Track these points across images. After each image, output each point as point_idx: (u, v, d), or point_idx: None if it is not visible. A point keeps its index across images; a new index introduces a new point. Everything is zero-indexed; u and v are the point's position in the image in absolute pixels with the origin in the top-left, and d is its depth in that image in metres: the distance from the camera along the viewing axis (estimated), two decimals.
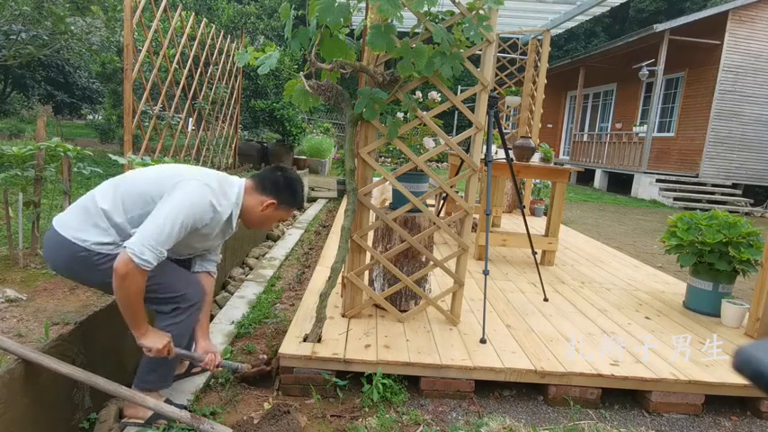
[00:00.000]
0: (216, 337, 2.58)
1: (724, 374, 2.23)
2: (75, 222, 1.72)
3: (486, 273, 2.63)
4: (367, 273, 2.80)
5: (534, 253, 3.51)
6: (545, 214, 6.36)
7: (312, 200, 8.14)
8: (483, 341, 2.40)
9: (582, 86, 15.48)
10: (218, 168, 5.49)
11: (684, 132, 12.69)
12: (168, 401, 1.83)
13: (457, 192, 2.57)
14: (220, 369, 2.11)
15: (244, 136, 10.14)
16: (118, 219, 1.71)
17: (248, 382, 2.22)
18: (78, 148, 2.69)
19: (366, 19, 2.59)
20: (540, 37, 5.82)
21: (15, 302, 2.04)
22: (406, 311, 2.64)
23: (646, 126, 12.16)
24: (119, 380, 1.77)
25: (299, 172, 7.82)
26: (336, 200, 8.07)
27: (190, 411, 1.82)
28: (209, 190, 1.75)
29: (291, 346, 2.20)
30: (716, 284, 3.00)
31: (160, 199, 1.69)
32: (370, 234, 2.63)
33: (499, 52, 6.43)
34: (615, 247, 5.42)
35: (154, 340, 1.71)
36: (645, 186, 11.82)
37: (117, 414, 1.86)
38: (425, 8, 2.04)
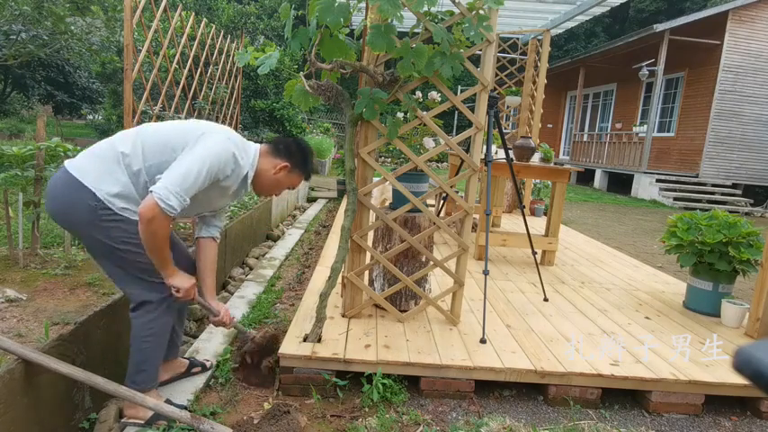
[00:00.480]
0: (216, 336, 2.58)
1: (724, 374, 2.23)
2: (93, 169, 1.69)
3: (486, 273, 2.63)
4: (367, 273, 2.80)
5: (534, 253, 3.51)
6: (545, 214, 6.35)
7: (312, 200, 8.14)
8: (483, 341, 2.40)
9: (582, 86, 15.47)
10: None
11: (684, 132, 12.69)
12: (168, 401, 1.83)
13: (457, 192, 2.57)
14: (233, 328, 2.19)
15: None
16: (135, 166, 1.70)
17: (249, 382, 2.23)
18: (78, 148, 2.69)
19: (366, 19, 2.59)
20: (540, 37, 5.82)
21: (15, 302, 2.04)
22: (406, 311, 2.64)
23: (646, 126, 12.16)
24: (118, 380, 1.77)
25: None
26: (336, 200, 8.07)
27: (190, 411, 1.82)
28: (232, 143, 1.78)
29: (291, 346, 2.20)
30: (716, 284, 3.00)
31: (182, 150, 1.70)
32: (370, 234, 2.63)
33: (499, 52, 6.43)
34: (615, 247, 5.42)
35: (182, 280, 1.79)
36: (645, 186, 11.82)
37: (117, 414, 1.85)
38: (425, 8, 2.04)
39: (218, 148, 1.72)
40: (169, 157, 1.69)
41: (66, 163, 1.73)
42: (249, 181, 1.89)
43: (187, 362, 2.17)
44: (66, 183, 1.68)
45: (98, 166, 1.70)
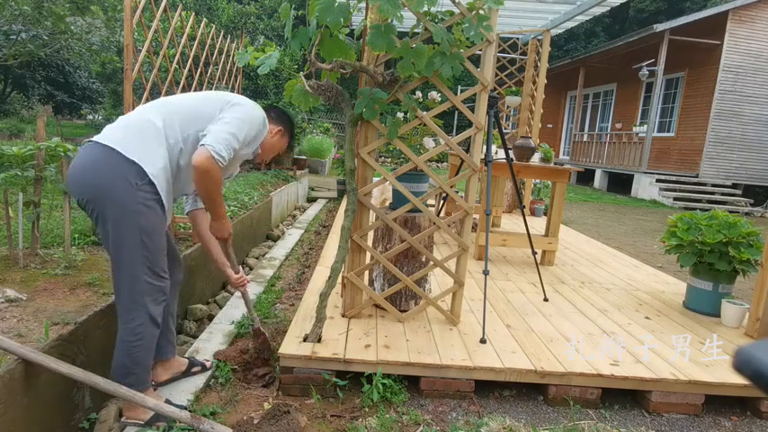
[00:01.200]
0: (216, 336, 2.58)
1: (724, 374, 2.23)
2: (136, 142, 1.67)
3: (486, 273, 2.63)
4: (367, 273, 2.80)
5: (534, 253, 3.51)
6: (545, 214, 6.35)
7: (312, 200, 8.14)
8: (483, 341, 2.40)
9: (582, 86, 15.48)
10: None
11: (684, 132, 12.69)
12: (168, 402, 1.83)
13: (457, 192, 2.57)
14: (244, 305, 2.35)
15: None
16: (172, 138, 1.75)
17: (247, 381, 2.23)
18: (79, 148, 2.69)
19: (366, 19, 2.59)
20: (540, 37, 5.82)
21: (15, 302, 2.04)
22: (406, 311, 2.64)
23: (646, 126, 12.17)
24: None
25: (298, 172, 7.83)
26: (336, 200, 8.07)
27: (190, 411, 1.82)
28: (260, 110, 1.96)
29: (291, 346, 2.20)
30: (716, 284, 3.00)
31: (216, 118, 1.79)
32: (370, 234, 2.63)
33: (499, 52, 6.43)
34: (615, 247, 5.42)
35: (224, 226, 2.02)
36: (645, 186, 11.82)
37: (117, 414, 1.85)
38: (425, 8, 2.04)
39: (253, 112, 1.88)
40: (203, 126, 1.77)
41: (99, 138, 1.68)
42: (259, 143, 2.01)
43: (187, 361, 2.17)
44: (107, 156, 1.63)
45: (140, 140, 1.68)
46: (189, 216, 2.16)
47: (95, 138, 1.70)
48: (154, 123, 1.72)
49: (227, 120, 1.77)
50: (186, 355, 2.28)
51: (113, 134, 1.69)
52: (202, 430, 1.69)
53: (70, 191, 1.75)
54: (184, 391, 2.05)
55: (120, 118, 1.80)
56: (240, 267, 2.25)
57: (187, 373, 2.15)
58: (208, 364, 2.24)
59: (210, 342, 2.51)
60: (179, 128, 1.76)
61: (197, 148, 1.70)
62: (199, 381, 2.14)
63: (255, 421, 1.84)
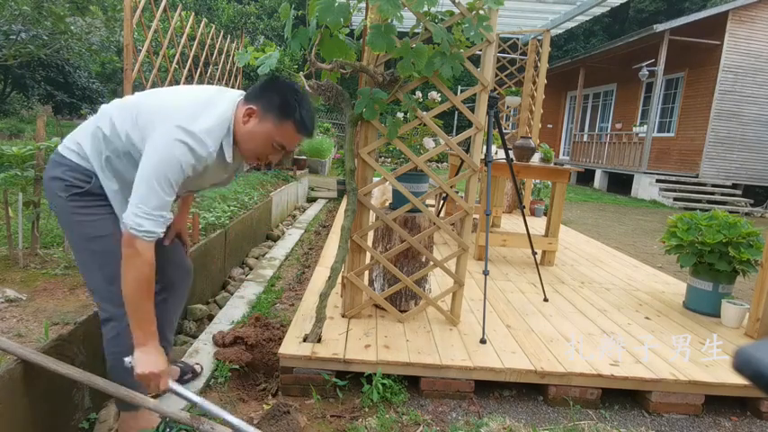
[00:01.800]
0: None
1: (724, 375, 2.23)
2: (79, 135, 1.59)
3: (486, 273, 2.63)
4: (367, 273, 2.79)
5: (534, 253, 3.51)
6: (545, 214, 6.35)
7: (312, 200, 8.14)
8: (483, 341, 2.40)
9: (582, 86, 15.48)
10: None
11: (684, 132, 12.69)
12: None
13: (457, 192, 2.57)
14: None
15: None
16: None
17: (245, 389, 2.22)
18: None
19: (366, 19, 2.59)
20: (539, 37, 5.82)
21: (15, 302, 2.04)
22: (406, 311, 2.64)
23: (646, 126, 12.17)
24: None
25: (298, 172, 7.81)
26: (336, 200, 8.07)
27: (188, 412, 1.82)
28: (182, 135, 1.43)
29: (291, 346, 2.20)
30: (716, 285, 3.00)
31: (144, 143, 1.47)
32: (370, 234, 2.63)
33: (499, 52, 6.43)
34: (615, 248, 5.42)
35: (152, 357, 1.46)
36: (645, 186, 11.82)
37: (117, 414, 1.85)
38: (425, 8, 2.04)
39: (170, 155, 1.41)
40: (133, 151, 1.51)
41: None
42: (229, 149, 1.55)
43: (179, 370, 2.09)
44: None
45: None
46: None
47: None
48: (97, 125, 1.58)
49: (141, 176, 1.42)
50: (186, 356, 2.28)
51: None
52: (202, 430, 1.69)
53: None
54: (184, 380, 2.04)
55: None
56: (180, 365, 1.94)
57: (180, 382, 2.02)
58: (198, 368, 2.16)
59: (210, 343, 2.51)
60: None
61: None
62: (198, 382, 2.14)
63: (255, 421, 1.84)
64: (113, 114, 1.55)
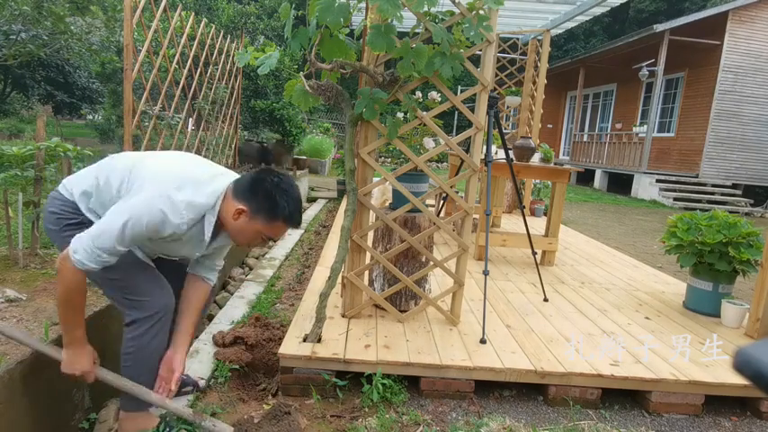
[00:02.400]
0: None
1: (724, 375, 2.23)
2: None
3: (486, 273, 2.63)
4: (367, 273, 2.79)
5: (534, 253, 3.51)
6: (545, 214, 6.35)
7: (312, 200, 8.14)
8: (483, 341, 2.40)
9: (582, 86, 15.48)
10: None
11: (684, 132, 12.69)
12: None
13: (457, 192, 2.57)
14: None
15: (244, 136, 10.13)
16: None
17: (244, 389, 2.22)
18: (78, 148, 2.69)
19: (366, 19, 2.59)
20: (539, 37, 5.82)
21: (15, 302, 2.04)
22: (406, 311, 2.64)
23: (646, 126, 12.17)
24: None
25: (298, 172, 7.81)
26: (336, 200, 8.07)
27: (191, 408, 1.82)
28: (163, 200, 1.49)
29: (291, 346, 2.20)
30: (716, 285, 3.00)
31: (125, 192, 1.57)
32: (370, 234, 2.63)
33: (499, 52, 6.43)
34: (615, 248, 5.42)
35: (73, 359, 1.58)
36: (645, 186, 11.82)
37: (117, 414, 1.85)
38: (425, 8, 2.04)
39: (141, 209, 1.47)
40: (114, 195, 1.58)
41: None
42: (208, 228, 1.60)
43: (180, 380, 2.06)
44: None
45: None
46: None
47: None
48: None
49: (107, 215, 1.50)
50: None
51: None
52: (204, 427, 1.69)
53: None
54: (184, 392, 2.04)
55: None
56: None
57: (177, 393, 1.96)
58: (201, 383, 2.11)
59: (210, 343, 2.51)
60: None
61: None
62: (199, 381, 2.13)
63: (256, 420, 1.84)
64: (111, 170, 1.63)
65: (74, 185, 1.66)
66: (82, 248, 1.45)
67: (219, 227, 1.65)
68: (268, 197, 1.56)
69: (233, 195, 1.59)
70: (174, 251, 1.72)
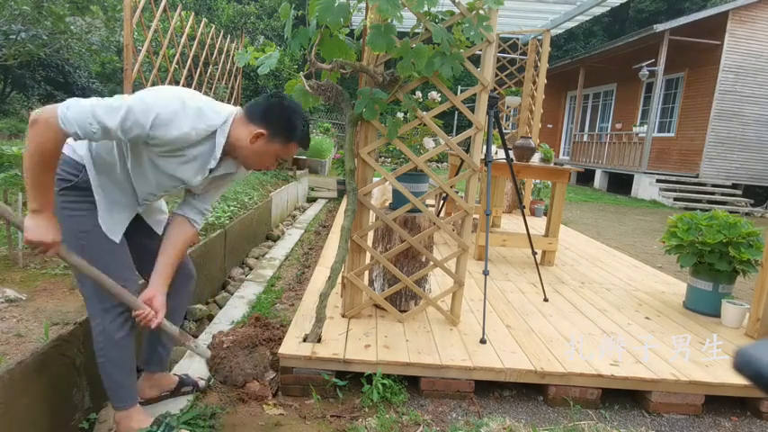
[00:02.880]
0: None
1: (724, 375, 2.22)
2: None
3: (486, 273, 2.63)
4: (367, 273, 2.79)
5: (534, 253, 3.51)
6: (545, 214, 6.35)
7: (312, 200, 8.14)
8: (483, 341, 2.40)
9: (582, 86, 15.48)
10: None
11: (684, 132, 12.69)
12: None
13: (457, 192, 2.57)
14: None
15: None
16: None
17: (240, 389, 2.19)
18: None
19: (366, 19, 2.59)
20: (540, 37, 5.81)
21: (15, 302, 2.04)
22: (405, 312, 2.64)
23: (646, 126, 12.17)
24: None
25: (298, 172, 7.81)
26: (336, 200, 8.07)
27: (180, 328, 1.88)
28: (184, 97, 1.51)
29: (291, 346, 2.20)
30: (716, 285, 2.99)
31: None
32: (370, 234, 2.63)
33: (499, 52, 6.43)
34: (615, 248, 5.42)
35: (38, 227, 1.44)
36: (645, 186, 11.82)
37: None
38: (425, 8, 2.04)
39: (154, 100, 1.44)
40: None
41: None
42: (219, 146, 1.59)
43: (177, 379, 2.05)
44: None
45: None
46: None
47: None
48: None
49: (121, 95, 1.47)
50: (185, 357, 2.28)
51: None
52: (188, 347, 1.84)
53: None
54: (184, 392, 2.04)
55: None
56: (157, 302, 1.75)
57: (176, 393, 2.02)
58: (201, 383, 2.09)
59: (210, 343, 2.50)
60: None
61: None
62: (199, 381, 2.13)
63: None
64: None
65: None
66: (77, 107, 1.36)
67: (226, 153, 1.64)
68: (285, 120, 1.63)
69: (249, 120, 1.61)
70: (175, 172, 1.62)
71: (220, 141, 1.58)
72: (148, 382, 1.97)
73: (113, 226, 1.65)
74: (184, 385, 2.05)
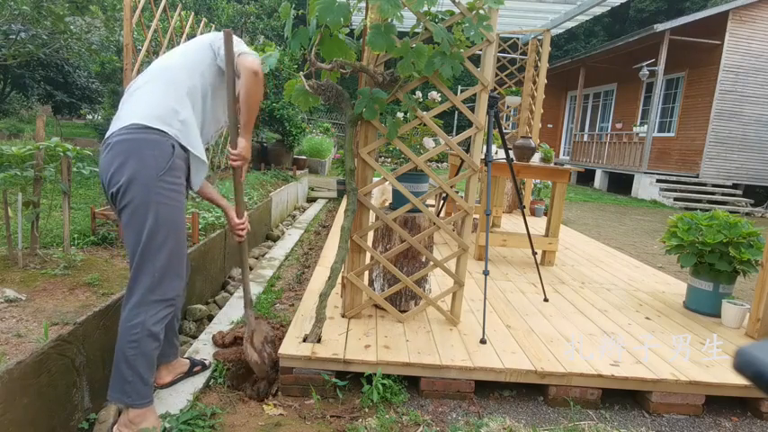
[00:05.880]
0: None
1: (724, 375, 2.22)
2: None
3: (486, 273, 2.62)
4: (367, 273, 2.79)
5: (534, 253, 3.51)
6: (545, 214, 6.35)
7: (312, 200, 8.14)
8: (483, 341, 2.39)
9: (582, 86, 15.47)
10: (218, 168, 5.49)
11: (685, 132, 12.69)
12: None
13: (457, 192, 2.57)
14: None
15: None
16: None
17: (241, 389, 2.21)
18: (78, 147, 2.68)
19: (366, 19, 2.58)
20: (540, 37, 5.81)
21: (15, 302, 2.03)
22: (406, 312, 2.63)
23: (646, 126, 12.16)
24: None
25: (298, 172, 7.82)
26: (336, 200, 8.07)
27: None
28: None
29: (291, 346, 2.20)
30: (716, 285, 2.99)
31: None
32: (370, 234, 2.63)
33: (499, 52, 6.42)
34: (615, 248, 5.42)
35: (248, 147, 1.94)
36: (645, 186, 11.82)
37: (117, 414, 1.85)
38: (425, 8, 2.04)
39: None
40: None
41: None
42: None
43: (188, 362, 2.18)
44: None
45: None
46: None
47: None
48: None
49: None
50: (186, 356, 2.28)
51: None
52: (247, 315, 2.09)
53: None
54: (184, 392, 2.05)
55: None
56: (246, 214, 2.21)
57: (189, 374, 2.16)
58: (207, 362, 2.26)
59: (210, 343, 2.50)
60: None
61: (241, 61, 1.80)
62: (198, 381, 2.13)
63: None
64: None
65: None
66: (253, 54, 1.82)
67: None
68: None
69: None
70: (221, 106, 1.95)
71: None
72: (166, 369, 2.08)
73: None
74: (195, 365, 2.18)
